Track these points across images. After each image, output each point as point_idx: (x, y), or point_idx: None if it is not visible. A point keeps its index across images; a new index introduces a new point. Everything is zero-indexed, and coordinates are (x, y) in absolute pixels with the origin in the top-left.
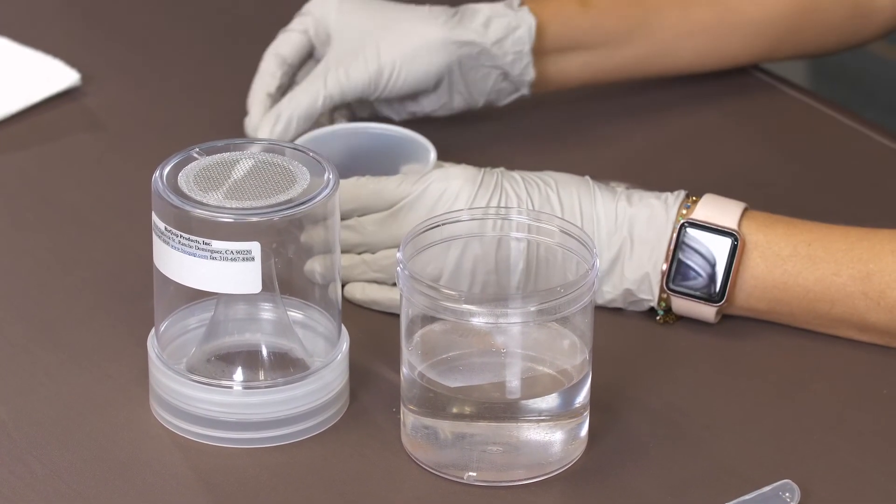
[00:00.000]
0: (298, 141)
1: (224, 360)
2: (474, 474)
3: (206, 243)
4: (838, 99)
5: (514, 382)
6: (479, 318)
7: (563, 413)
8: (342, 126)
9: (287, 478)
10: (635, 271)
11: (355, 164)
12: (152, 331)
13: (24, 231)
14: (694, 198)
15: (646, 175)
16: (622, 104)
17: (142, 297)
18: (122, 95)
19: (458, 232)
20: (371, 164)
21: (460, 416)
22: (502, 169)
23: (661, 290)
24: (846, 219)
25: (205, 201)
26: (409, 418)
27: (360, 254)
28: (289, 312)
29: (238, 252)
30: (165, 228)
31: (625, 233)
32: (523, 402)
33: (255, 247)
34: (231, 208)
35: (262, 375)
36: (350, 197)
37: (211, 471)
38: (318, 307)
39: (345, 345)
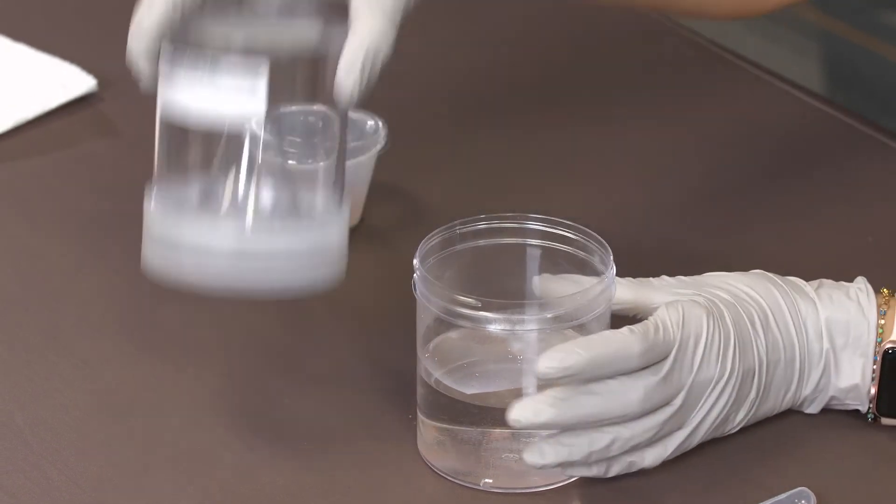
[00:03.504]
0: None
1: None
2: (490, 481)
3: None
4: (853, 106)
5: (530, 389)
6: (496, 325)
7: None
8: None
9: (302, 484)
10: (843, 382)
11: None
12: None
13: (40, 237)
14: (886, 291)
15: (660, 182)
16: (632, 110)
17: (158, 304)
18: (138, 101)
19: (475, 238)
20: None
21: (477, 423)
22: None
23: (871, 402)
24: (862, 226)
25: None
26: (426, 425)
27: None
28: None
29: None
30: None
31: (827, 343)
32: None
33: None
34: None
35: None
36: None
37: (224, 478)
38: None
39: (347, 210)
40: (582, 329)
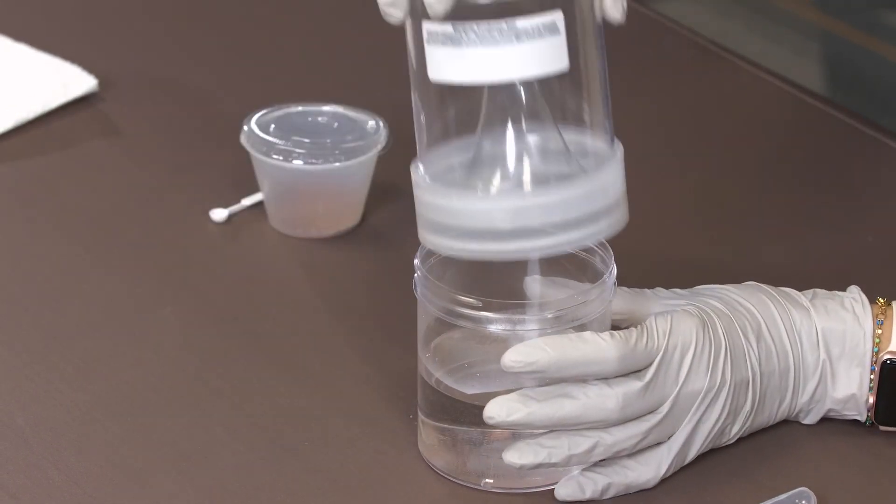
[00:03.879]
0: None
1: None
2: (491, 481)
3: (510, 23)
4: (854, 106)
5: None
6: (497, 326)
7: None
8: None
9: (304, 484)
10: (840, 392)
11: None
12: (414, 159)
13: (41, 237)
14: (882, 301)
15: (659, 182)
16: (631, 110)
17: (158, 304)
18: (139, 101)
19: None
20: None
21: (477, 424)
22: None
23: (869, 411)
24: (862, 226)
25: None
26: (426, 425)
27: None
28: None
29: (544, 26)
30: (454, 27)
31: (823, 354)
32: None
33: (558, 17)
34: None
35: (531, 181)
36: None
37: (224, 478)
38: (591, 130)
39: (620, 151)
40: (583, 329)
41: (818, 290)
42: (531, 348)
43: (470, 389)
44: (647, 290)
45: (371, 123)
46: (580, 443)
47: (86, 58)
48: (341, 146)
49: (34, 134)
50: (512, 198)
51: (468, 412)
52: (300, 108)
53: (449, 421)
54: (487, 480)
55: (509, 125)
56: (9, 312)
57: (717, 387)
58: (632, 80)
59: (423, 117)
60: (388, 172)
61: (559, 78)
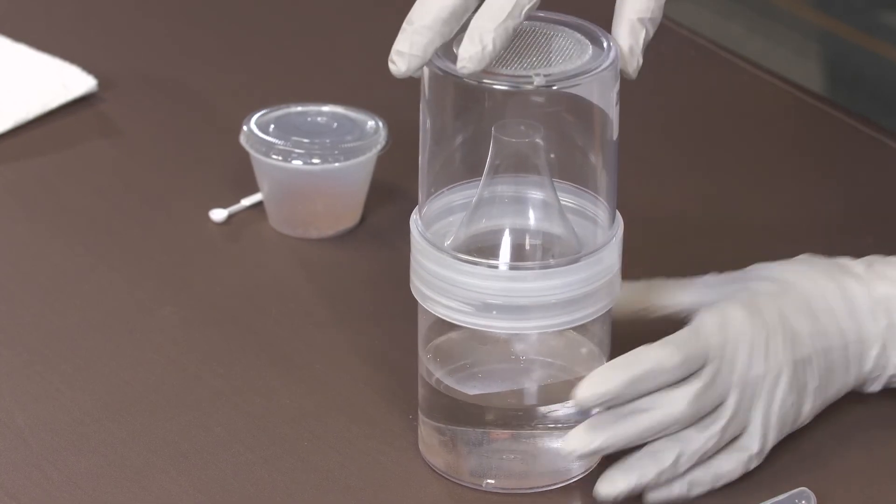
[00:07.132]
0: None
1: (489, 242)
2: (492, 482)
3: None
4: (855, 107)
5: (532, 390)
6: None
7: (582, 420)
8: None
9: (302, 484)
10: None
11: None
12: (414, 210)
13: (41, 237)
14: None
15: (661, 183)
16: (631, 110)
17: (158, 304)
18: (139, 101)
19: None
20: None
21: (478, 424)
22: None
23: None
24: (862, 228)
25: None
26: (427, 425)
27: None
28: (560, 197)
29: None
30: None
31: (883, 319)
32: (542, 409)
33: None
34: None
35: (530, 258)
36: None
37: (224, 478)
38: (593, 193)
39: (620, 229)
40: (583, 329)
41: (873, 256)
42: (601, 379)
43: (471, 390)
44: (655, 281)
45: (370, 123)
46: (665, 458)
47: (86, 58)
48: (341, 146)
49: (34, 134)
50: (505, 278)
51: (469, 412)
52: (300, 109)
53: (449, 421)
54: (489, 481)
55: (513, 188)
56: (9, 312)
57: (776, 370)
58: (632, 80)
59: (426, 170)
60: (388, 172)
61: (578, 146)
